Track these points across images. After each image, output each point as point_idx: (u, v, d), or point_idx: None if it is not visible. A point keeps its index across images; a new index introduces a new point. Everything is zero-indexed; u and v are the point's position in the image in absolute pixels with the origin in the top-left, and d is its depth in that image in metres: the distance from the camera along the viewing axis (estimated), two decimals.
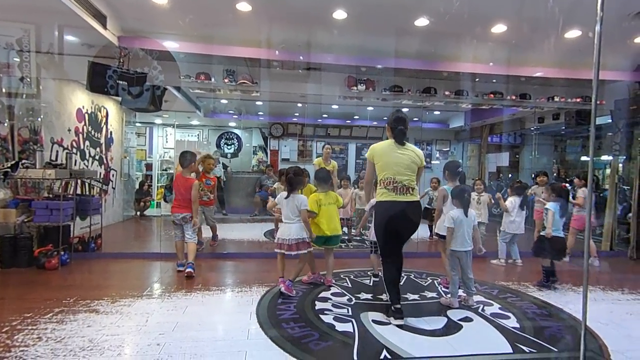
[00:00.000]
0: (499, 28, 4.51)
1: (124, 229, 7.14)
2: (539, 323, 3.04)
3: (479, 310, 3.28)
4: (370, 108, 8.90)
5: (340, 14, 4.25)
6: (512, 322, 3.03)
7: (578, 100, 6.19)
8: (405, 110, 8.53)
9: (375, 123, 10.36)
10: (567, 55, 5.24)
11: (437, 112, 9.15)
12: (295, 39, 4.93)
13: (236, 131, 11.55)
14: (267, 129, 10.97)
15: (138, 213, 8.44)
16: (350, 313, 3.14)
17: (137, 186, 8.88)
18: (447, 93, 5.97)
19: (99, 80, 4.44)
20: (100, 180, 6.71)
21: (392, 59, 5.29)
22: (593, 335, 2.82)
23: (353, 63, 5.36)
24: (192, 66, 5.37)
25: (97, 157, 6.68)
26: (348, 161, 11.46)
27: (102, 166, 6.90)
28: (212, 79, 5.41)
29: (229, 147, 11.58)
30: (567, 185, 4.94)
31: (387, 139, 3.16)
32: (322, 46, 5.09)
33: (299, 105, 8.73)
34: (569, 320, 3.14)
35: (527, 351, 2.56)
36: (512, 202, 4.84)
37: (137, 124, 9.46)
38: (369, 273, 4.32)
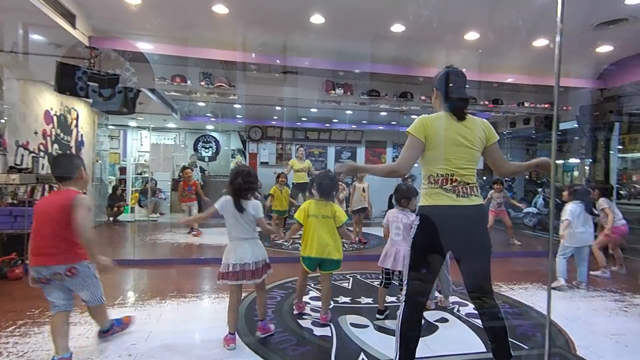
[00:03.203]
0: (472, 35, 4.66)
1: (96, 236, 6.88)
2: (510, 322, 3.12)
3: (454, 310, 3.35)
4: (348, 112, 8.96)
5: (317, 19, 4.28)
6: None
7: (546, 106, 6.46)
8: (382, 114, 8.72)
9: (354, 126, 10.46)
10: (536, 63, 5.46)
11: (414, 116, 9.30)
12: (272, 42, 4.92)
13: (214, 134, 11.39)
14: (246, 132, 10.87)
15: (111, 219, 8.17)
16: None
17: (110, 191, 8.60)
18: (423, 98, 6.09)
19: (67, 81, 4.29)
20: None
21: (369, 64, 5.37)
22: (560, 331, 2.92)
23: (331, 67, 5.41)
24: (167, 68, 5.27)
25: None
26: (327, 164, 11.51)
27: None
28: (188, 82, 5.32)
29: (206, 150, 11.41)
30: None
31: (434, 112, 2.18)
32: (299, 50, 5.11)
33: (278, 108, 8.72)
34: (539, 318, 3.24)
35: None
36: (572, 210, 4.05)
37: (110, 127, 9.18)
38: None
